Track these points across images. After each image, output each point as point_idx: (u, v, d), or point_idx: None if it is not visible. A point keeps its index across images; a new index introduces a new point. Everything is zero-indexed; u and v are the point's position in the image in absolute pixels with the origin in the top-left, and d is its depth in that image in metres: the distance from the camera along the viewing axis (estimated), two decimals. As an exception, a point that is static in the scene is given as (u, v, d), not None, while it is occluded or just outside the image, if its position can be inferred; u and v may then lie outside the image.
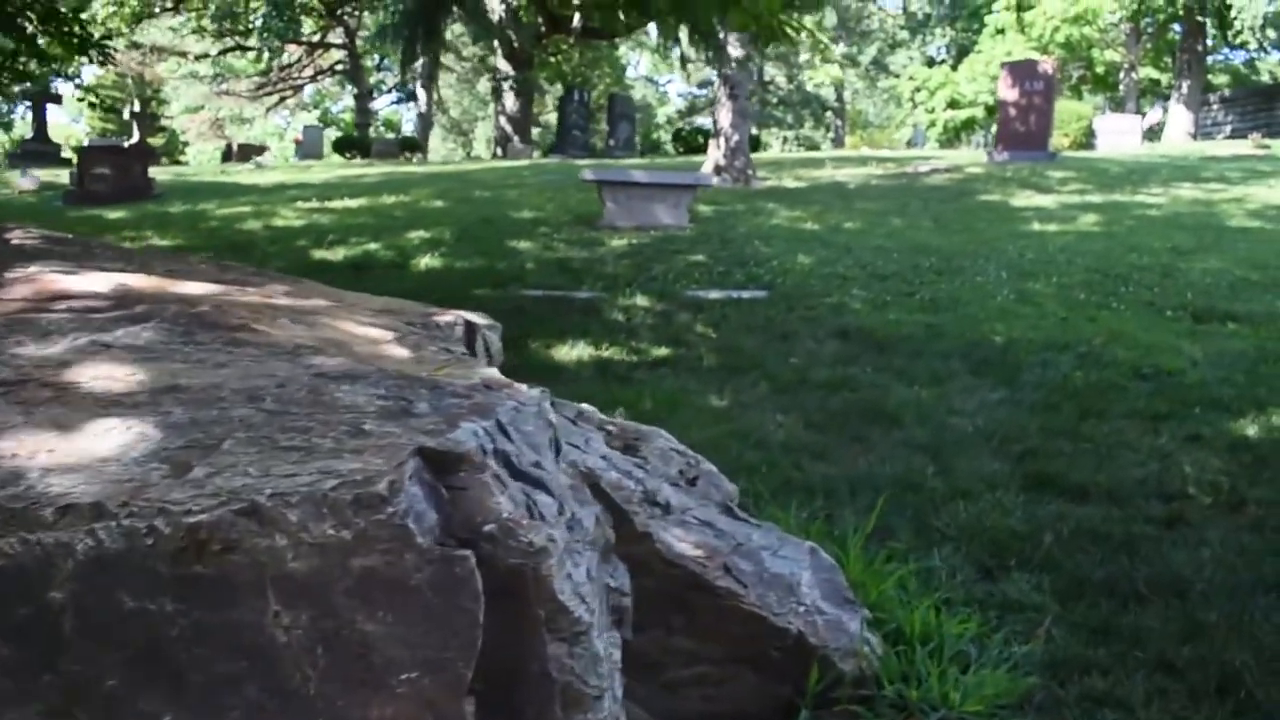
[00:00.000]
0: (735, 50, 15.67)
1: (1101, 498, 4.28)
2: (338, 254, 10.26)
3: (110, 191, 16.04)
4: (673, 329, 7.20)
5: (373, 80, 55.73)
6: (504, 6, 33.00)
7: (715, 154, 15.98)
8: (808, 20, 36.43)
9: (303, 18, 33.46)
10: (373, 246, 10.54)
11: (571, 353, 6.62)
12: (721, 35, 15.85)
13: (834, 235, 10.83)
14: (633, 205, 11.87)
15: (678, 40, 15.46)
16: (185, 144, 54.95)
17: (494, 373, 2.47)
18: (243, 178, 20.33)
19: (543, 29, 32.58)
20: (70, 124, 67.74)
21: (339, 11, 28.71)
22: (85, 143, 28.97)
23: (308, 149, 29.21)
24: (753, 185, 15.46)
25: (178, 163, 46.84)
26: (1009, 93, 20.68)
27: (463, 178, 18.02)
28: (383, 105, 60.70)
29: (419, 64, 46.07)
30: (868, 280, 8.60)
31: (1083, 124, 28.91)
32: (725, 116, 15.84)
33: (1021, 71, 20.71)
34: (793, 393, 5.73)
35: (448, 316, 3.11)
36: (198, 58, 39.16)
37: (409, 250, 10.22)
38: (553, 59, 39.01)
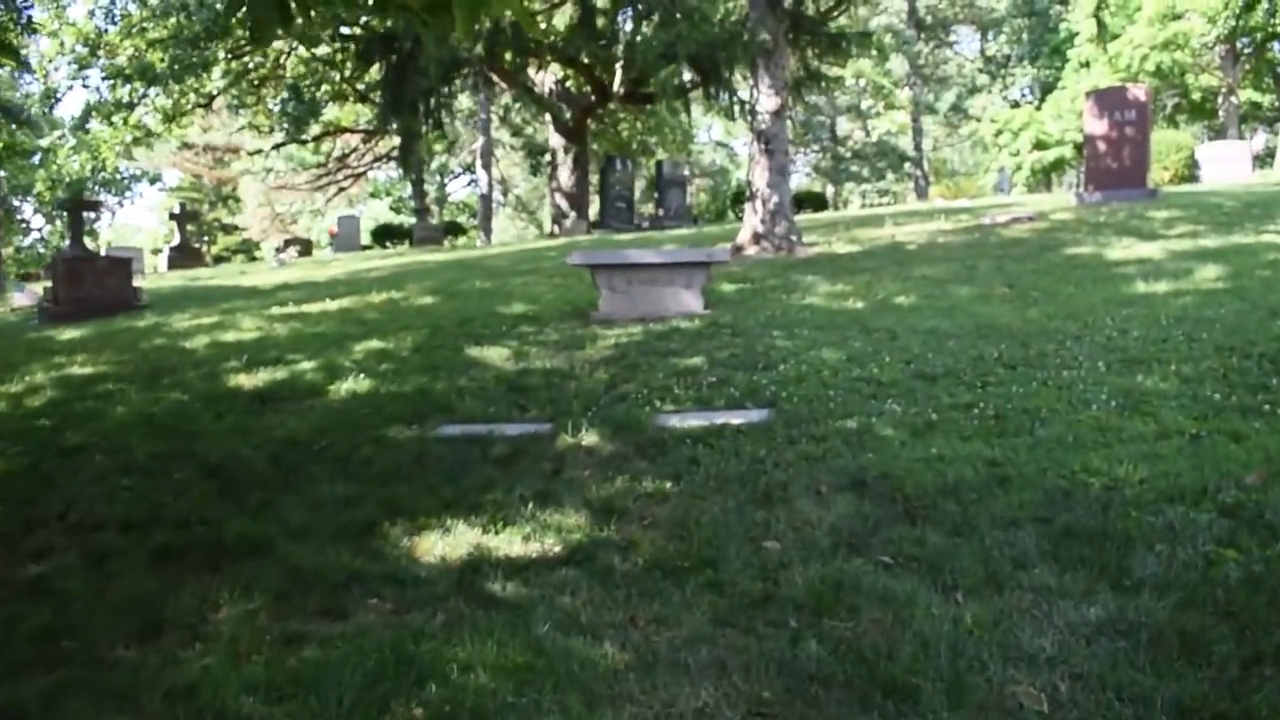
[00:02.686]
0: (769, 101, 13.56)
1: None
2: (258, 378, 8.30)
3: (86, 306, 14.50)
4: (612, 488, 4.98)
5: (435, 164, 55.04)
6: (553, 79, 31.64)
7: (752, 220, 13.79)
8: (866, 65, 34.27)
9: (357, 105, 32.38)
10: (305, 366, 8.57)
11: (443, 543, 4.45)
12: (762, 86, 13.83)
13: (878, 316, 8.54)
14: (633, 293, 9.75)
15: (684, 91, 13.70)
16: (251, 242, 54.78)
17: None
18: (254, 278, 18.79)
19: (592, 99, 30.99)
20: (159, 227, 68.61)
21: (370, 96, 27.44)
22: (104, 251, 27.76)
23: (343, 241, 27.72)
24: (796, 253, 13.23)
25: (254, 259, 46.49)
26: (1096, 125, 18.18)
27: (478, 265, 16.14)
28: (457, 189, 60.16)
29: (480, 143, 45.12)
30: (910, 385, 6.28)
31: (1183, 155, 26.01)
32: (761, 176, 13.66)
33: (1109, 100, 18.19)
34: (748, 624, 3.46)
35: None
36: (251, 153, 38.42)
37: (342, 370, 8.21)
38: (609, 129, 37.38)
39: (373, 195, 61.67)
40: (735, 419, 5.87)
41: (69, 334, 12.47)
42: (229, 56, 22.38)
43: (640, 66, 14.11)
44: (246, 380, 8.32)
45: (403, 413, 6.73)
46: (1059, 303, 8.45)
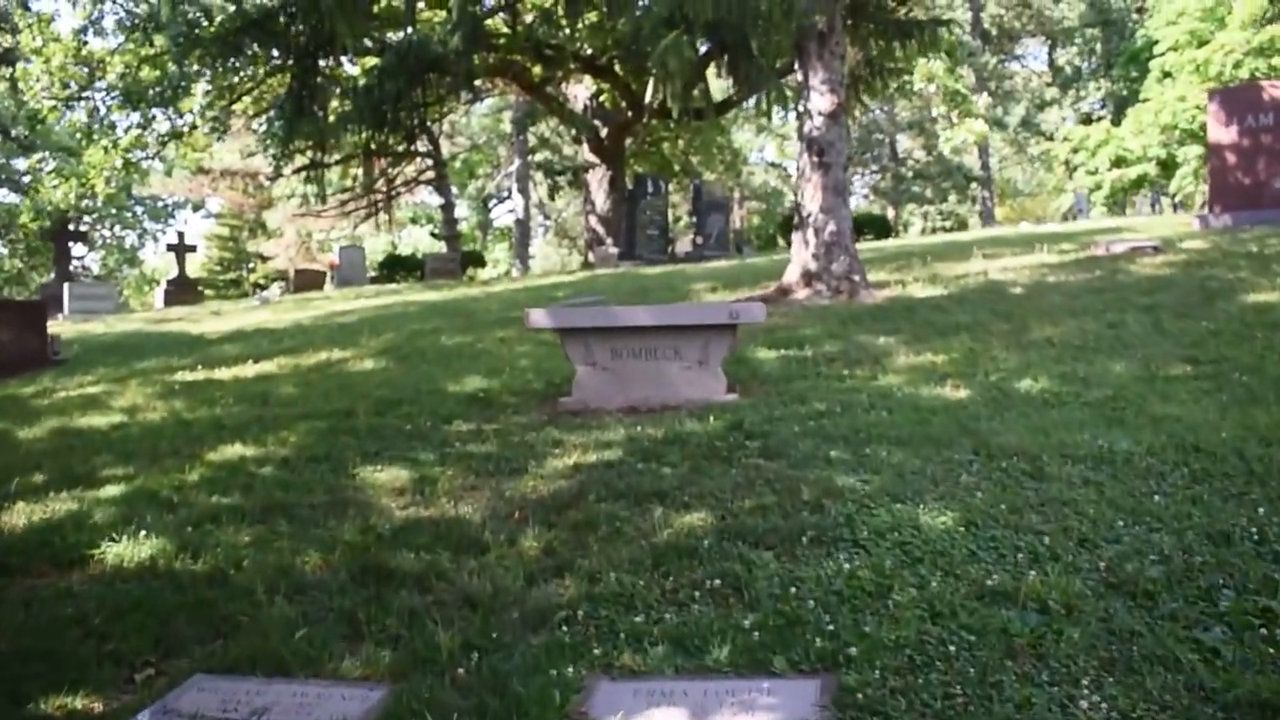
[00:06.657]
0: (822, 100, 10.42)
1: None
2: (31, 512, 5.30)
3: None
4: None
5: (472, 187, 52.36)
6: (587, 94, 28.89)
7: (803, 254, 10.59)
8: (939, 67, 30.87)
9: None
10: (109, 492, 5.57)
11: None
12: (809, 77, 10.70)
13: (998, 417, 5.35)
14: (622, 369, 6.65)
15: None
16: (283, 272, 52.44)
17: None
18: (219, 322, 15.94)
19: (628, 114, 28.02)
20: (202, 255, 66.67)
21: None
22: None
23: (346, 274, 24.84)
24: (860, 297, 10.03)
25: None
26: (1223, 132, 14.86)
27: (465, 310, 13.11)
28: (500, 214, 57.36)
29: (515, 166, 42.35)
30: (1106, 617, 3.09)
31: (1306, 169, 22.36)
32: (813, 196, 10.47)
33: (1239, 101, 14.86)
34: None
35: None
36: (269, 178, 35.95)
37: (148, 507, 5.21)
38: (649, 148, 34.39)
39: (412, 221, 59.24)
40: (746, 712, 2.75)
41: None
42: (202, 71, 19.79)
43: (636, 35, 11.05)
44: (14, 518, 5.34)
45: (147, 636, 3.67)
46: (1291, 396, 5.23)
